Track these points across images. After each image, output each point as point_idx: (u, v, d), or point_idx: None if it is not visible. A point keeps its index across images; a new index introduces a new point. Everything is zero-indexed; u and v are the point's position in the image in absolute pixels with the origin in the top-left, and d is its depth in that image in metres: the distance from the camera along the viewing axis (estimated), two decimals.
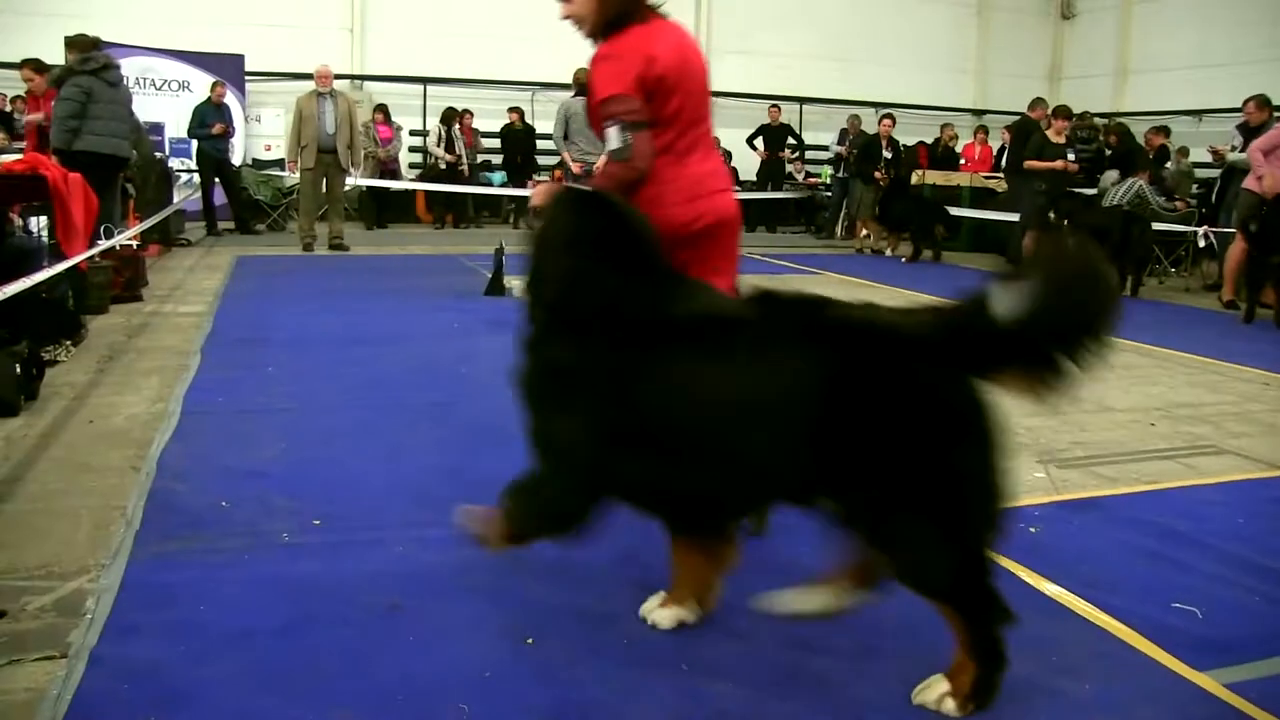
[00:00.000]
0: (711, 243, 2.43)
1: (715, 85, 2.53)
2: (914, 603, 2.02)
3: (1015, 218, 9.17)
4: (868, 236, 11.86)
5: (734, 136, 13.62)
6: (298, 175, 10.39)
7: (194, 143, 13.19)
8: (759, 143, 14.06)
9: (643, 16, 2.36)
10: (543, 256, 2.05)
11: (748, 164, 14.29)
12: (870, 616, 2.31)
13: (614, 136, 2.26)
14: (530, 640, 2.33)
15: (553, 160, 16.85)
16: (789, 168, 14.41)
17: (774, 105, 14.36)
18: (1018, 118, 10.44)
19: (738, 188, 13.31)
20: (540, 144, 15.78)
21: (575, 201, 2.05)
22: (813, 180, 15.03)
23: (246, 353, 5.25)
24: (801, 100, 15.92)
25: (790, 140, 14.33)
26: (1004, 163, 11.26)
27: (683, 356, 1.87)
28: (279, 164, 15.59)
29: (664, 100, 2.32)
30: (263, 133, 15.80)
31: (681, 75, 2.34)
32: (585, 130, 7.17)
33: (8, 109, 12.38)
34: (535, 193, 2.30)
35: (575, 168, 7.41)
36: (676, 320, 1.90)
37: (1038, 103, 9.95)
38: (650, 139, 2.28)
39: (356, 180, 11.82)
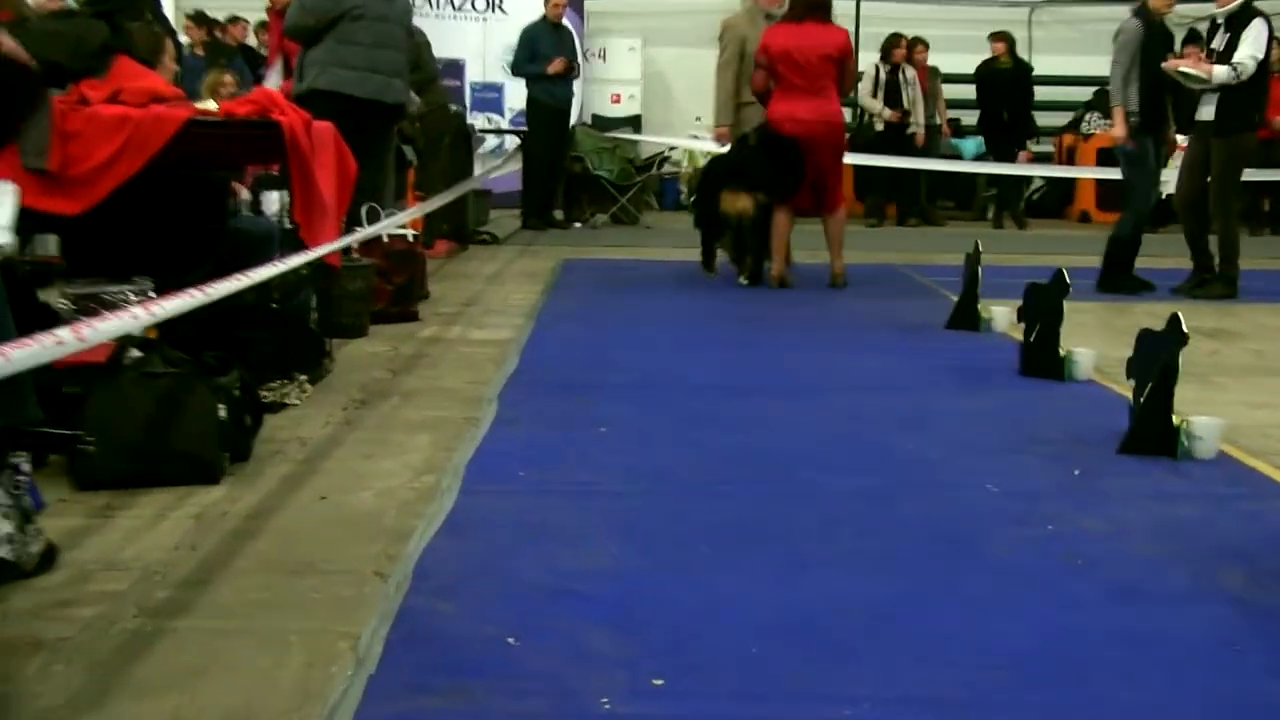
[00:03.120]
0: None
1: None
2: None
3: None
4: None
5: None
6: (723, 148, 10.09)
7: (514, 87, 14.14)
8: None
9: None
10: None
11: None
12: None
13: None
14: None
15: (1063, 120, 17.03)
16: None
17: None
18: None
19: None
20: (1042, 92, 15.67)
21: None
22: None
23: (568, 403, 5.66)
24: None
25: None
26: None
27: None
28: (630, 123, 16.78)
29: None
30: (607, 76, 16.89)
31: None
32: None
33: (251, 39, 13.83)
34: None
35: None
36: None
37: None
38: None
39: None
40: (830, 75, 9.14)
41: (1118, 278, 9.62)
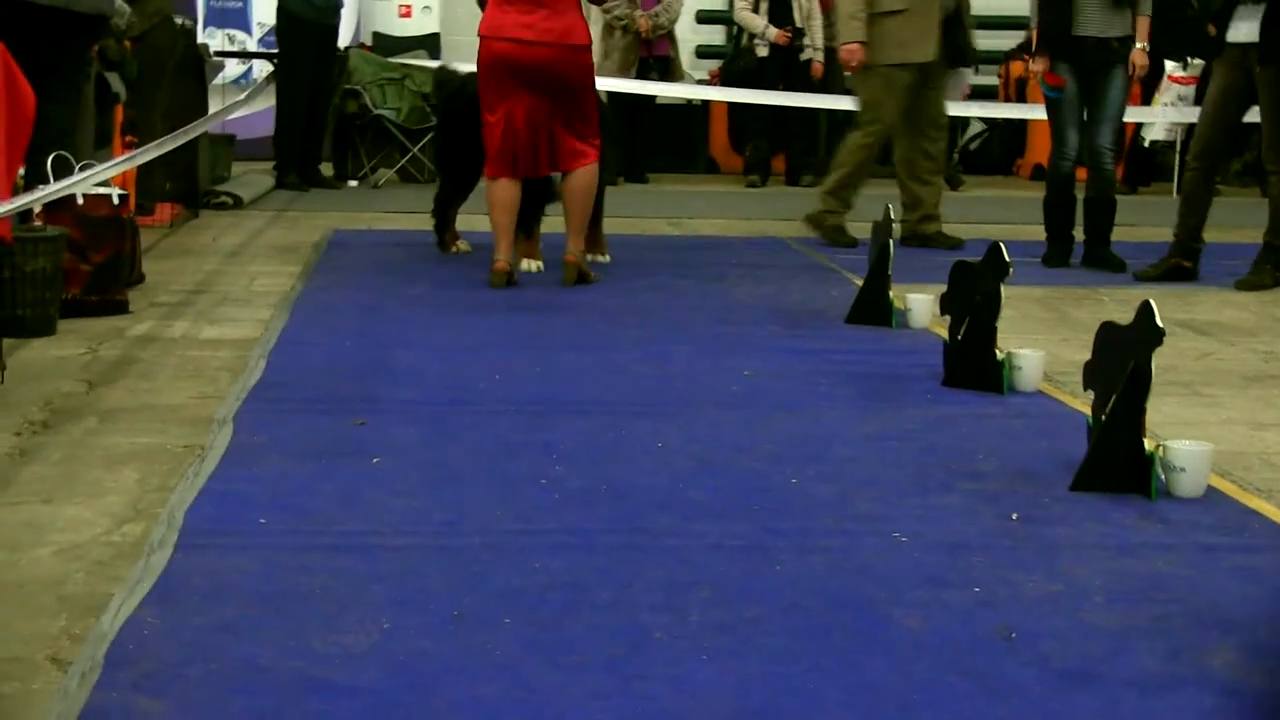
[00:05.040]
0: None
1: None
2: None
3: None
4: None
5: None
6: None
7: None
8: None
9: None
10: None
11: None
12: None
13: None
14: None
15: (1011, 41, 17.13)
16: None
17: None
18: None
19: None
20: (982, 3, 15.87)
21: None
22: None
23: (330, 425, 5.69)
24: None
25: None
26: None
27: None
28: (425, 44, 16.71)
29: None
30: None
31: None
32: None
33: None
34: None
35: None
36: None
37: None
38: None
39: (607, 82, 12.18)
40: None
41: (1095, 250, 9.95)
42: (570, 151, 8.93)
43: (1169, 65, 10.02)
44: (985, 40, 16.80)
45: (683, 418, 5.88)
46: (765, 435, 5.64)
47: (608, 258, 9.75)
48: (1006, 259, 6.15)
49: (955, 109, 15.45)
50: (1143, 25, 9.97)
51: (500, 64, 8.76)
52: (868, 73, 10.78)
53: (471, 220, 10.15)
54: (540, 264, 9.28)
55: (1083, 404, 5.48)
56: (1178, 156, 14.23)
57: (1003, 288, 6.24)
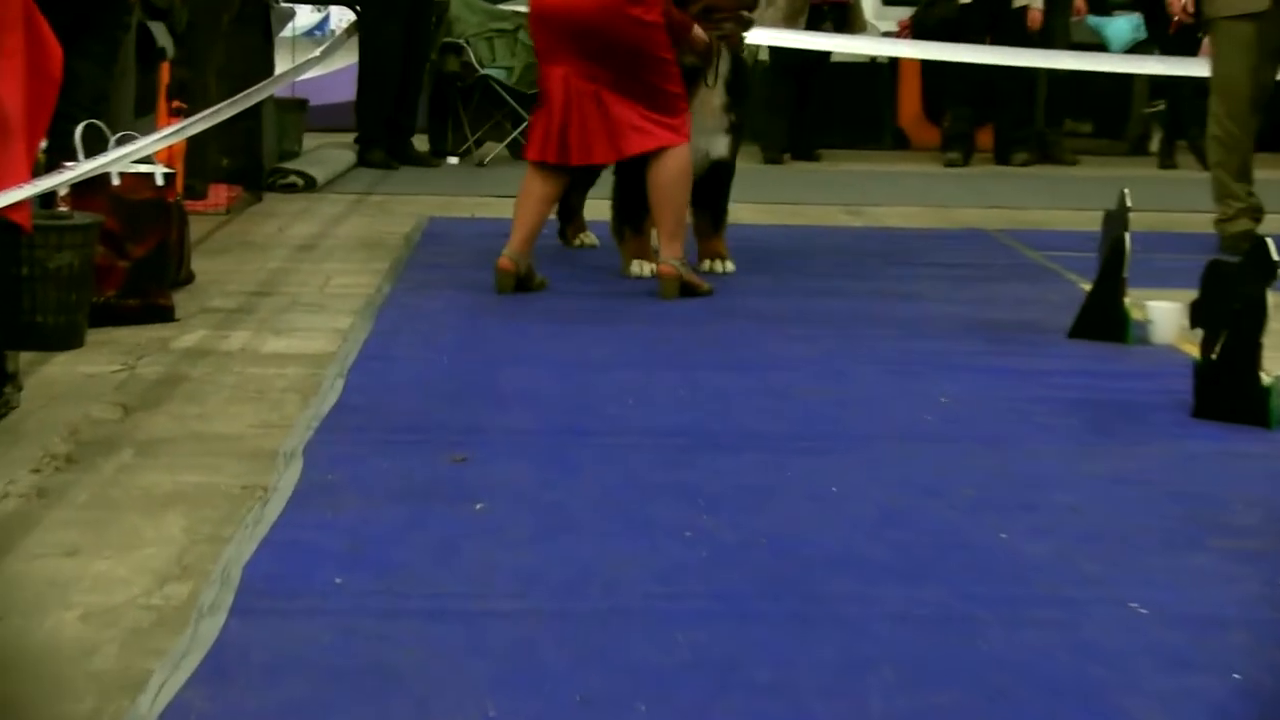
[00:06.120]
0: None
1: None
2: None
3: None
4: None
5: None
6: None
7: None
8: None
9: None
10: None
11: None
12: None
13: None
14: None
15: None
16: None
17: None
18: None
19: None
20: None
21: None
22: None
23: (422, 461, 5.69)
24: None
25: None
26: None
27: None
28: None
29: None
30: None
31: None
32: None
33: None
34: None
35: None
36: None
37: None
38: None
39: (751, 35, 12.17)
40: None
41: None
42: (633, 129, 8.78)
43: None
44: None
45: (862, 455, 5.88)
46: (965, 478, 5.63)
47: (729, 267, 9.62)
48: (1275, 258, 6.09)
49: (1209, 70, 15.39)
50: None
51: (539, 20, 8.91)
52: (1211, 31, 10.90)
53: (601, 207, 10.15)
54: (653, 267, 9.23)
55: None
56: None
57: (1270, 294, 6.18)
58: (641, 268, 9.23)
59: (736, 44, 9.32)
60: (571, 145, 8.77)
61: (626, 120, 8.71)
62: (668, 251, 8.81)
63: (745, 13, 9.15)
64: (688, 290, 8.76)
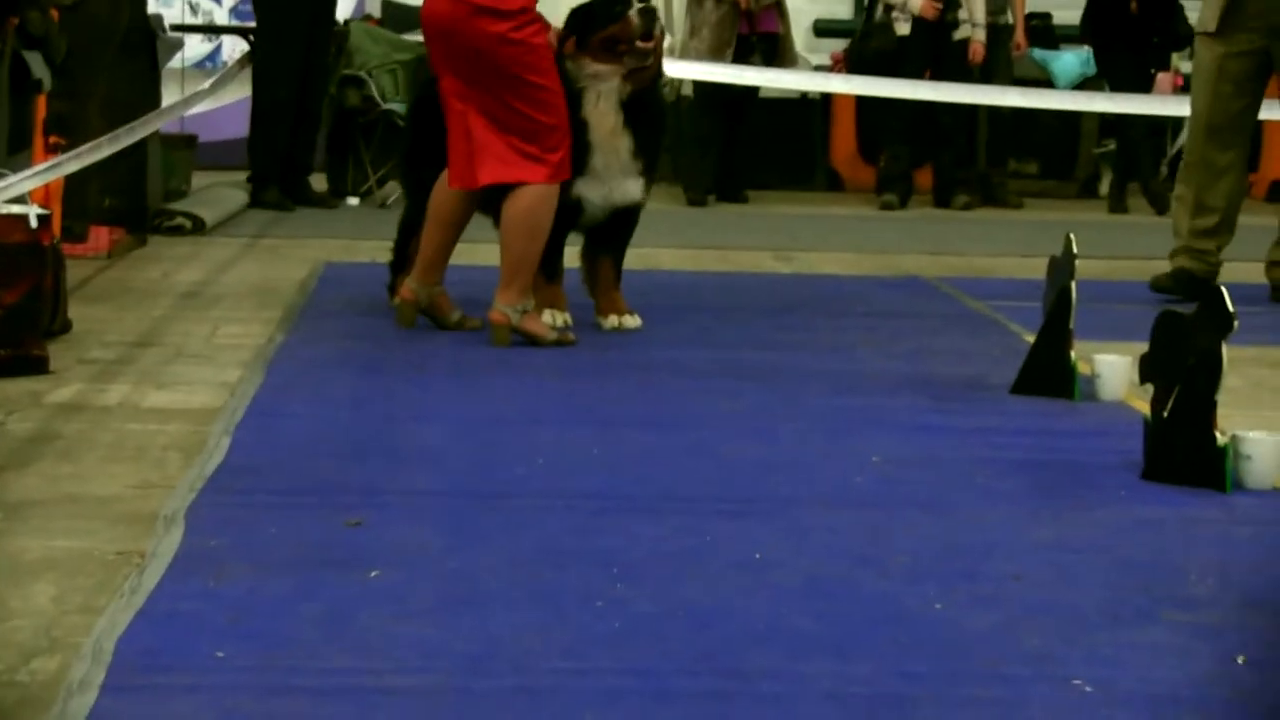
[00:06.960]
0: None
1: None
2: None
3: None
4: None
5: None
6: None
7: None
8: None
9: None
10: None
11: None
12: None
13: None
14: None
15: None
16: None
17: None
18: None
19: None
20: None
21: None
22: None
23: (314, 525, 5.66)
24: None
25: None
26: None
27: None
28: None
29: None
30: None
31: None
32: None
33: None
34: None
35: None
36: None
37: None
38: None
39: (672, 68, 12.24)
40: None
41: None
42: (495, 157, 8.71)
43: None
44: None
45: (789, 519, 5.88)
46: (900, 544, 5.64)
47: (636, 321, 9.50)
48: (1230, 309, 6.11)
49: (1161, 105, 15.50)
50: None
51: (424, 33, 9.07)
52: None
53: (475, 250, 10.13)
54: (567, 317, 9.21)
55: None
56: None
57: (1225, 348, 6.19)
58: (554, 318, 9.18)
59: (645, 78, 9.19)
60: (452, 166, 8.81)
61: (489, 147, 8.63)
62: (501, 299, 8.72)
63: (642, 43, 8.98)
64: (533, 342, 8.71)
